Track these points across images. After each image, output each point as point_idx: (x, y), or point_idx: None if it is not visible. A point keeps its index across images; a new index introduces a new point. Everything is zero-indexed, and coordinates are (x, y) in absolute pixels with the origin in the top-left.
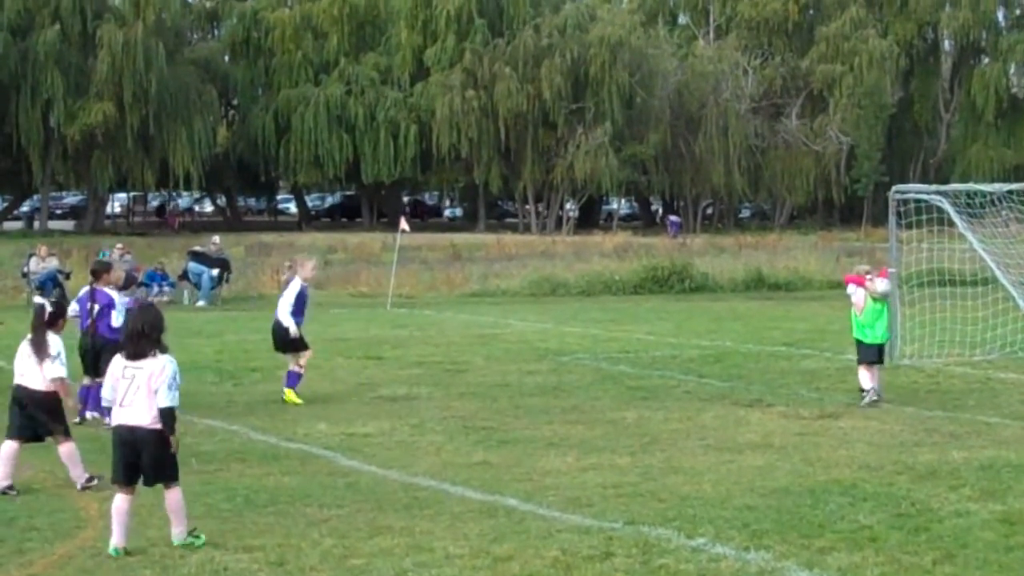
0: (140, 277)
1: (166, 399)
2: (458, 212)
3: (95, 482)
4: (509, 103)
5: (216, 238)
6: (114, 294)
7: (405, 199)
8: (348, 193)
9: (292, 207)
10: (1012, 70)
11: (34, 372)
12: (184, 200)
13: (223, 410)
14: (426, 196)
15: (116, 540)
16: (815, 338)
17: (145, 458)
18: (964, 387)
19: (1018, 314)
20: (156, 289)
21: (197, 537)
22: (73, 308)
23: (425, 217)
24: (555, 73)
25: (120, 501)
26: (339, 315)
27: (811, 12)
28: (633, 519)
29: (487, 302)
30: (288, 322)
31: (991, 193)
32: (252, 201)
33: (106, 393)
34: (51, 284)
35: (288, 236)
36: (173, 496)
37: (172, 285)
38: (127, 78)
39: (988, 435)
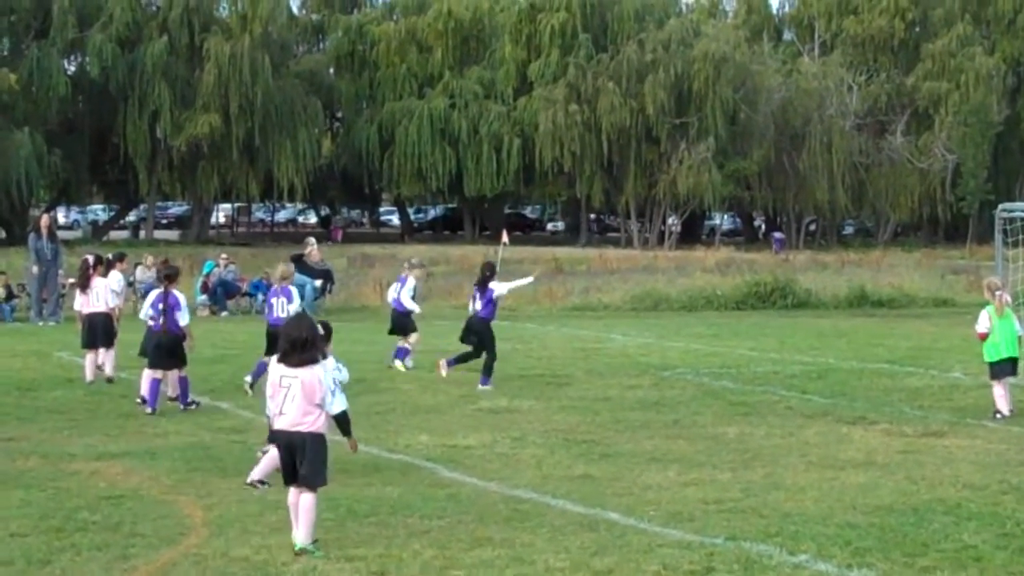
0: (245, 288)
1: (334, 406)
2: (560, 226)
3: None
4: (612, 118)
5: (312, 240)
6: (181, 296)
7: (507, 212)
8: (450, 206)
9: (395, 219)
10: None
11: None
12: (287, 211)
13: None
14: (528, 210)
15: (295, 533)
16: (919, 356)
17: (300, 460)
18: None
19: None
20: (261, 299)
21: (317, 549)
22: (147, 311)
23: (527, 231)
24: (658, 88)
25: (294, 496)
26: (441, 327)
27: (917, 29)
28: (734, 535)
29: (589, 316)
30: (411, 305)
31: None
32: (355, 213)
33: (269, 404)
34: None
35: (391, 248)
36: (307, 500)
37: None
38: (233, 90)
39: None
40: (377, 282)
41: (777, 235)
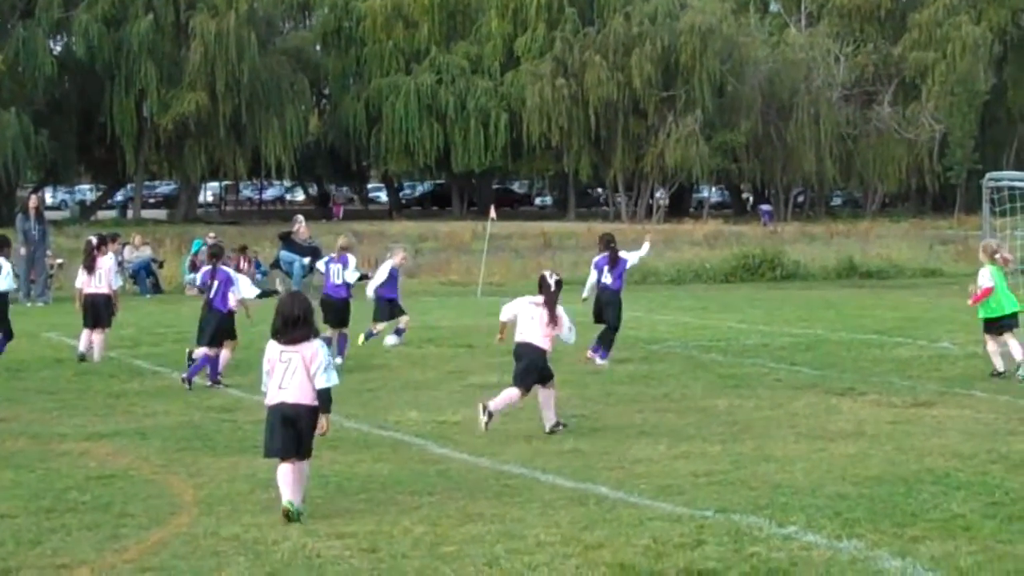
0: (234, 265)
1: (324, 380)
2: (548, 200)
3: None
4: (599, 91)
5: (300, 217)
6: (234, 273)
7: (495, 187)
8: (439, 182)
9: (383, 196)
10: None
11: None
12: (275, 189)
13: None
14: (516, 185)
15: (291, 495)
16: (907, 326)
17: (300, 431)
18: None
19: None
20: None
21: (302, 513)
22: (194, 281)
23: (515, 206)
24: (645, 61)
25: (284, 469)
26: (430, 303)
27: None
28: (724, 507)
29: (577, 290)
30: (371, 294)
31: None
32: (344, 190)
33: (266, 379)
34: (144, 273)
35: (379, 224)
36: (306, 467)
37: (264, 273)
38: (219, 68)
39: None
40: (366, 259)
41: (765, 207)
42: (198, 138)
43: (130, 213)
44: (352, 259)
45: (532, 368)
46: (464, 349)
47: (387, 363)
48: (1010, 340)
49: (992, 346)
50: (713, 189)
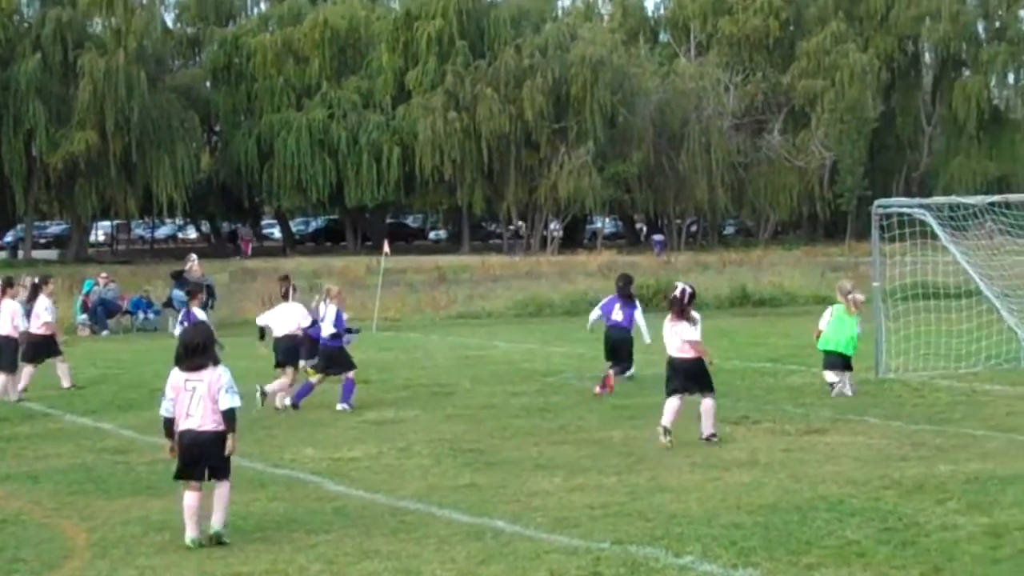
0: (125, 306)
1: (228, 402)
2: (442, 234)
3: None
4: (491, 124)
5: (193, 256)
6: (201, 314)
7: (389, 222)
8: (332, 217)
9: (276, 232)
10: (992, 82)
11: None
12: (167, 227)
13: None
14: (410, 219)
15: (191, 532)
16: (800, 354)
17: (208, 457)
18: (950, 400)
19: (1002, 326)
20: (142, 317)
21: (227, 533)
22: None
23: (410, 240)
24: (537, 93)
25: (191, 499)
26: None
27: (791, 28)
28: (620, 539)
29: (472, 324)
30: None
31: (973, 206)
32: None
33: (168, 405)
34: None
35: (273, 261)
36: (224, 489)
37: (157, 312)
38: (109, 106)
39: (974, 448)
40: (259, 296)
41: (657, 237)
42: (88, 177)
43: (20, 254)
44: (331, 310)
45: (695, 372)
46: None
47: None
48: (827, 374)
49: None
50: (607, 220)
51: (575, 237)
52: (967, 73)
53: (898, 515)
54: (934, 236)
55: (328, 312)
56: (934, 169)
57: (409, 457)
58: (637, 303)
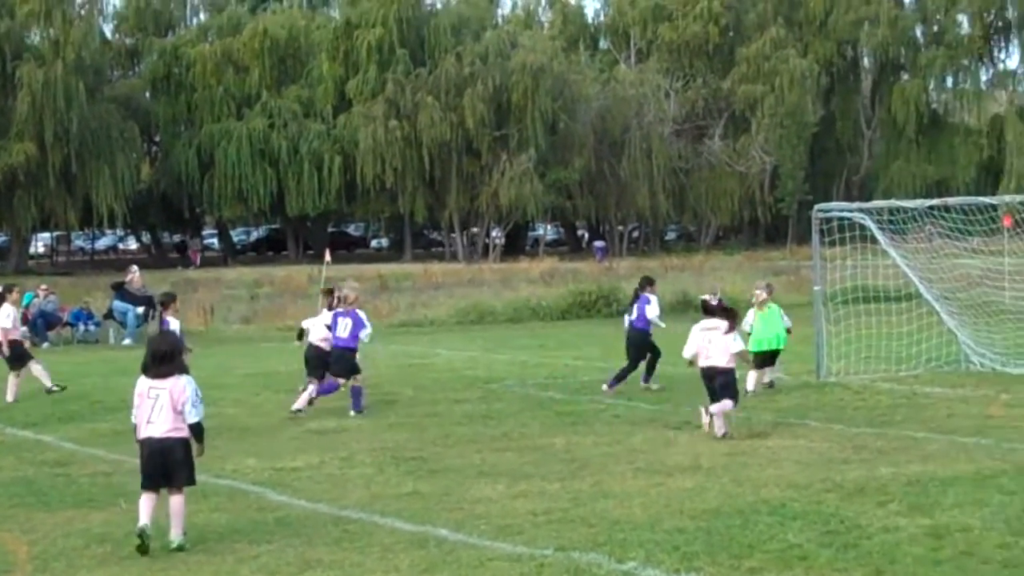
0: (66, 317)
1: (193, 415)
2: (384, 242)
3: None
4: (432, 132)
5: (135, 267)
6: (175, 322)
7: (330, 231)
8: (273, 227)
9: (217, 242)
10: (931, 86)
11: None
12: (107, 238)
13: None
14: (352, 227)
15: (142, 520)
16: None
17: (170, 464)
18: (891, 403)
19: (942, 328)
20: (82, 328)
21: (186, 542)
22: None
23: (351, 248)
24: (478, 101)
25: (147, 499)
26: (267, 349)
27: (731, 33)
28: (564, 545)
29: (415, 332)
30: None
31: (913, 209)
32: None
33: (135, 412)
34: None
35: (214, 271)
36: (178, 500)
37: (98, 324)
38: (48, 117)
39: (915, 450)
40: (200, 306)
41: (598, 244)
42: (28, 188)
43: None
44: (364, 315)
45: (730, 383)
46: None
47: (222, 411)
48: (752, 373)
49: (753, 374)
50: (548, 227)
51: (517, 244)
52: (906, 77)
53: (840, 518)
54: (874, 240)
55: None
56: (874, 173)
57: (352, 466)
58: (648, 298)
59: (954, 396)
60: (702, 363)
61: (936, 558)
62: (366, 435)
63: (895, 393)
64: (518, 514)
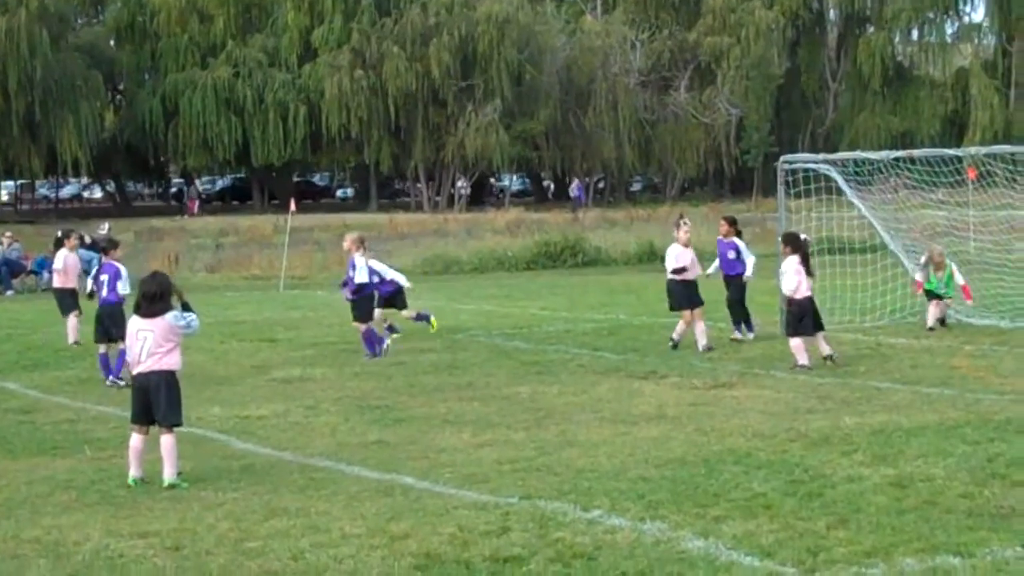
0: (30, 265)
1: (193, 324)
2: (350, 192)
3: None
4: (398, 82)
5: (105, 224)
6: (122, 268)
7: (296, 180)
8: (239, 176)
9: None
10: (897, 38)
11: None
12: (72, 187)
13: (116, 397)
14: (317, 177)
15: (133, 472)
16: (708, 309)
17: (153, 399)
18: (855, 353)
19: (907, 280)
20: (46, 276)
21: (184, 481)
22: (89, 284)
23: (317, 198)
24: (443, 51)
25: (136, 441)
26: (232, 298)
27: None
28: (529, 494)
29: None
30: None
31: (878, 161)
32: (141, 186)
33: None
34: None
35: (179, 221)
36: (168, 440)
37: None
38: (11, 65)
39: (879, 400)
40: (166, 255)
41: (577, 186)
42: None
43: None
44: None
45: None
46: (267, 343)
47: (187, 359)
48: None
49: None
50: (514, 177)
51: (482, 195)
52: (871, 29)
53: (804, 467)
54: (839, 192)
55: (358, 263)
56: (839, 125)
57: (317, 415)
58: (737, 242)
59: (918, 347)
60: (807, 293)
61: (900, 507)
62: (331, 384)
63: (860, 344)
64: (483, 463)
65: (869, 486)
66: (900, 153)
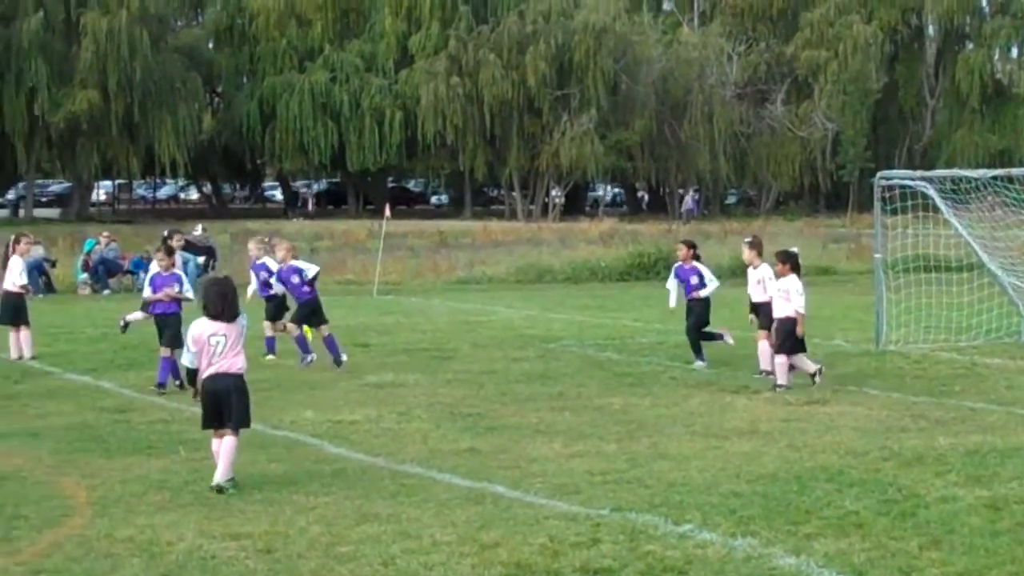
0: (127, 265)
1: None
2: (444, 199)
3: None
4: (494, 90)
5: (200, 226)
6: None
7: (390, 186)
8: (334, 180)
9: (278, 194)
10: (996, 56)
11: None
12: (168, 188)
13: None
14: (411, 183)
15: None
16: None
17: (229, 402)
18: (950, 373)
19: (1003, 299)
20: (142, 276)
21: (233, 486)
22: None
23: (411, 204)
24: (540, 60)
25: (217, 445)
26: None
27: None
28: (620, 506)
29: (473, 289)
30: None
31: (976, 179)
32: (236, 188)
33: (186, 360)
34: (37, 272)
35: (274, 223)
36: (229, 442)
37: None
38: (111, 66)
39: (974, 421)
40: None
41: (692, 198)
42: (90, 136)
43: (22, 212)
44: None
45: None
46: (360, 348)
47: (281, 362)
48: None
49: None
50: (608, 187)
51: (576, 204)
52: (970, 46)
53: (897, 486)
54: (936, 209)
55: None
56: (936, 142)
57: (409, 421)
58: (699, 267)
59: (1014, 368)
60: (802, 311)
61: (994, 529)
62: (423, 390)
63: (954, 363)
64: (575, 473)
65: (963, 507)
66: (998, 172)
